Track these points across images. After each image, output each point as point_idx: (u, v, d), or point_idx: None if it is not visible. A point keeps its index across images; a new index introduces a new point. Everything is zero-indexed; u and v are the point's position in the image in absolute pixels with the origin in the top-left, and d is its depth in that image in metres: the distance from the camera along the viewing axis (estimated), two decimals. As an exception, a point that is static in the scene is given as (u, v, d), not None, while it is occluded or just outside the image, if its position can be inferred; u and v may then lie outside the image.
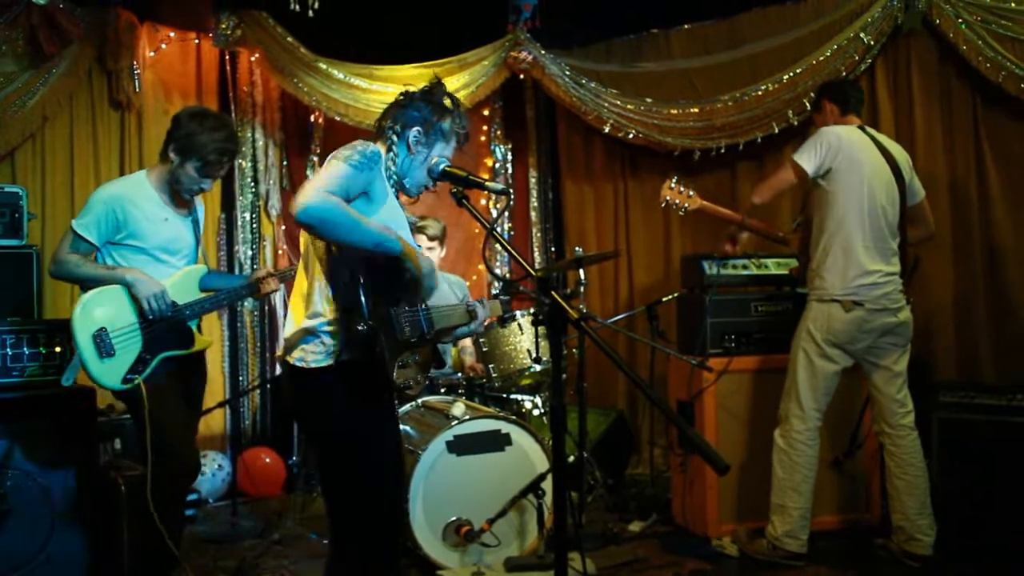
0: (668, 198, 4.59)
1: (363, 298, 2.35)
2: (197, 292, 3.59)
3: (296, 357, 2.50)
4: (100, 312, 3.34)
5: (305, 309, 2.52)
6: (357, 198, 2.41)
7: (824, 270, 3.94)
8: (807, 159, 3.94)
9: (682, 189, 4.58)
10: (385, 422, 2.58)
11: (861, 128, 4.09)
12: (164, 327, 3.45)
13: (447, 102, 2.65)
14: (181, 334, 3.53)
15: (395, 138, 2.61)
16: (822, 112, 4.24)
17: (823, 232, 3.96)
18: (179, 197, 3.62)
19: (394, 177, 2.60)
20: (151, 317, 3.39)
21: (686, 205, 4.57)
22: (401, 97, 2.67)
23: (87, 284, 3.43)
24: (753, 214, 4.24)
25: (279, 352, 2.66)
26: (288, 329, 2.57)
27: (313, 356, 2.48)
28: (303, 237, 2.60)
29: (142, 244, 3.51)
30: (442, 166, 2.30)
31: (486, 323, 2.82)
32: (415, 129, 2.59)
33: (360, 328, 2.34)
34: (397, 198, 2.63)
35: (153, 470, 3.34)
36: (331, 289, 2.45)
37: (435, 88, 2.68)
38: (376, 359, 2.39)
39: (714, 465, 1.53)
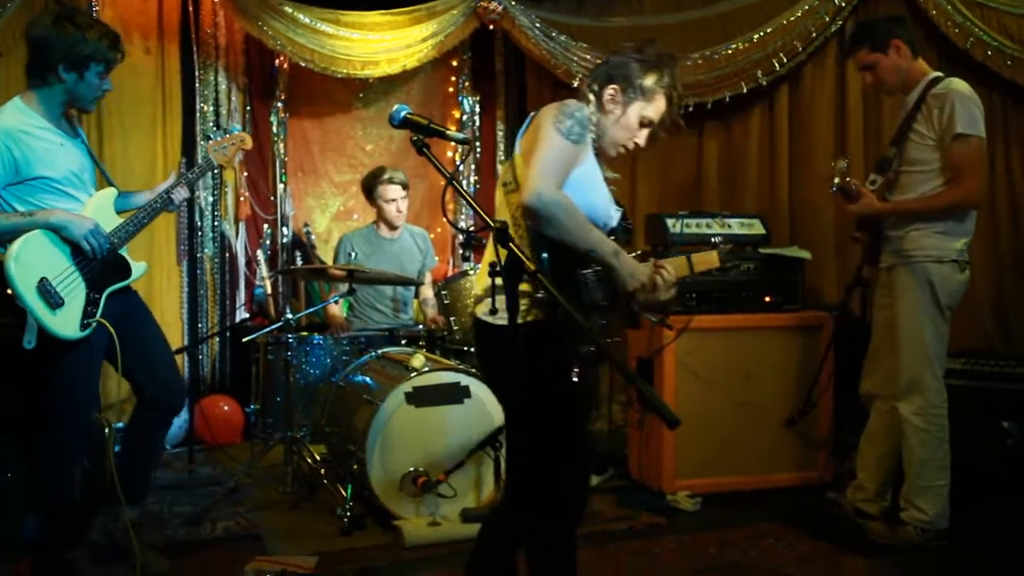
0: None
1: (547, 257, 2.33)
2: (116, 217, 3.36)
3: (482, 312, 2.50)
4: (35, 262, 3.06)
5: None
6: None
7: (944, 229, 3.66)
8: (981, 126, 3.62)
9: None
10: (566, 382, 2.44)
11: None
12: (101, 262, 3.24)
13: (655, 58, 2.57)
14: (117, 265, 3.34)
15: (592, 97, 2.58)
16: (887, 52, 3.76)
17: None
18: (65, 120, 3.30)
19: (592, 136, 2.55)
20: (92, 256, 3.19)
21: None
22: (609, 56, 2.63)
23: (1, 239, 3.08)
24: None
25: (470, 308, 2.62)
26: (478, 284, 2.59)
27: (520, 312, 2.43)
28: (498, 193, 2.54)
29: (51, 175, 3.18)
30: (403, 113, 2.26)
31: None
32: (611, 87, 2.55)
33: (539, 295, 2.34)
34: (598, 157, 2.59)
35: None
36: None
37: (646, 45, 2.61)
38: (557, 323, 2.35)
39: (664, 418, 1.54)
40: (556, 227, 2.31)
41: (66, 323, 3.13)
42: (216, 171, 5.79)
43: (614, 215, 2.60)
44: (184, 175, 3.61)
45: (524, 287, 2.39)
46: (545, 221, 2.30)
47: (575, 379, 2.35)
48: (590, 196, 2.46)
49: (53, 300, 3.08)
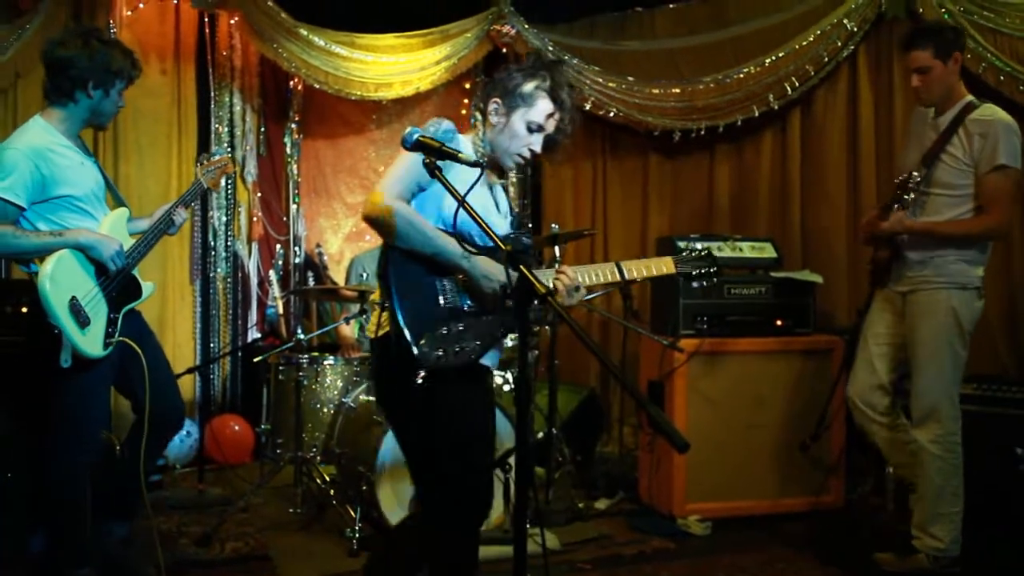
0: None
1: (390, 266, 2.36)
2: (128, 237, 3.41)
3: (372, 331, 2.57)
4: (66, 281, 3.09)
5: None
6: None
7: (969, 257, 3.65)
8: (1019, 159, 3.59)
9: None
10: (422, 390, 2.39)
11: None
12: (119, 283, 3.28)
13: (533, 64, 2.62)
14: (131, 284, 3.38)
15: (479, 115, 2.65)
16: (947, 62, 3.64)
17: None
18: (80, 139, 3.35)
19: (479, 151, 2.62)
20: (114, 276, 3.24)
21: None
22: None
23: (27, 257, 3.11)
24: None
25: None
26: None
27: (373, 327, 2.52)
28: None
29: (75, 193, 3.21)
30: (416, 135, 2.28)
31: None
32: (493, 100, 2.60)
33: (377, 302, 2.39)
34: (486, 169, 2.60)
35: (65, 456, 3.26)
36: None
37: (526, 57, 2.68)
38: (397, 334, 2.35)
39: (672, 442, 1.53)
40: (396, 235, 2.37)
41: (92, 342, 3.16)
42: (212, 193, 5.82)
43: (496, 223, 2.61)
44: (181, 198, 3.65)
45: (375, 297, 2.45)
46: (385, 231, 2.38)
47: (420, 382, 2.34)
48: (455, 205, 2.41)
49: (82, 319, 3.11)
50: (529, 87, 2.57)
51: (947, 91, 3.71)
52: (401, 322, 2.34)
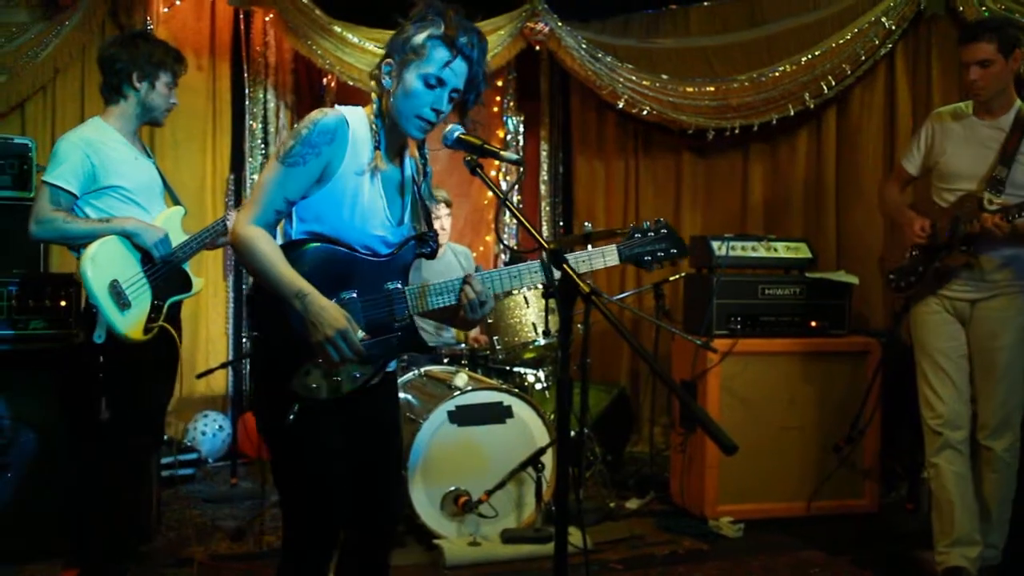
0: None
1: (257, 295, 2.25)
2: (182, 233, 3.49)
3: None
4: (108, 264, 3.19)
5: None
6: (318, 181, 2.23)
7: None
8: None
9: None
10: (286, 423, 2.25)
11: None
12: (165, 272, 3.36)
13: (421, 13, 2.25)
14: (180, 278, 3.46)
15: (375, 85, 2.32)
16: (1008, 59, 3.51)
17: None
18: (138, 139, 3.48)
19: (373, 129, 2.29)
20: (159, 264, 3.32)
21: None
22: None
23: (76, 243, 3.23)
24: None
25: None
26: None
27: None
28: None
29: (125, 185, 3.32)
30: (456, 133, 2.25)
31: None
32: (385, 62, 2.27)
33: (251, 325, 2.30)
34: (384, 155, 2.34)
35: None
36: None
37: (415, 10, 2.29)
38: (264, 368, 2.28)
39: (721, 444, 1.51)
40: (244, 264, 2.21)
41: (131, 325, 3.23)
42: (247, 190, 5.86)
43: (390, 232, 2.34)
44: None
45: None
46: (239, 258, 2.21)
47: (291, 419, 2.23)
48: (341, 216, 2.26)
49: (123, 301, 3.20)
50: (420, 37, 2.21)
51: (1003, 89, 3.57)
52: (269, 353, 2.24)
